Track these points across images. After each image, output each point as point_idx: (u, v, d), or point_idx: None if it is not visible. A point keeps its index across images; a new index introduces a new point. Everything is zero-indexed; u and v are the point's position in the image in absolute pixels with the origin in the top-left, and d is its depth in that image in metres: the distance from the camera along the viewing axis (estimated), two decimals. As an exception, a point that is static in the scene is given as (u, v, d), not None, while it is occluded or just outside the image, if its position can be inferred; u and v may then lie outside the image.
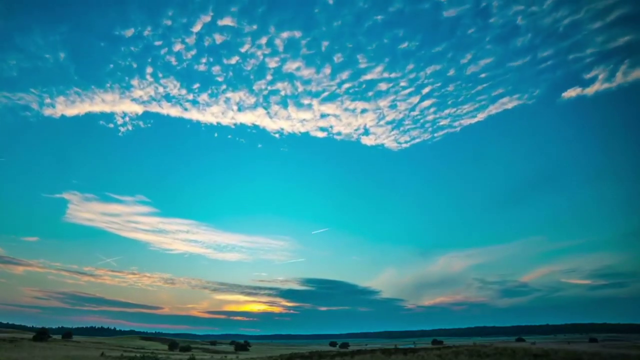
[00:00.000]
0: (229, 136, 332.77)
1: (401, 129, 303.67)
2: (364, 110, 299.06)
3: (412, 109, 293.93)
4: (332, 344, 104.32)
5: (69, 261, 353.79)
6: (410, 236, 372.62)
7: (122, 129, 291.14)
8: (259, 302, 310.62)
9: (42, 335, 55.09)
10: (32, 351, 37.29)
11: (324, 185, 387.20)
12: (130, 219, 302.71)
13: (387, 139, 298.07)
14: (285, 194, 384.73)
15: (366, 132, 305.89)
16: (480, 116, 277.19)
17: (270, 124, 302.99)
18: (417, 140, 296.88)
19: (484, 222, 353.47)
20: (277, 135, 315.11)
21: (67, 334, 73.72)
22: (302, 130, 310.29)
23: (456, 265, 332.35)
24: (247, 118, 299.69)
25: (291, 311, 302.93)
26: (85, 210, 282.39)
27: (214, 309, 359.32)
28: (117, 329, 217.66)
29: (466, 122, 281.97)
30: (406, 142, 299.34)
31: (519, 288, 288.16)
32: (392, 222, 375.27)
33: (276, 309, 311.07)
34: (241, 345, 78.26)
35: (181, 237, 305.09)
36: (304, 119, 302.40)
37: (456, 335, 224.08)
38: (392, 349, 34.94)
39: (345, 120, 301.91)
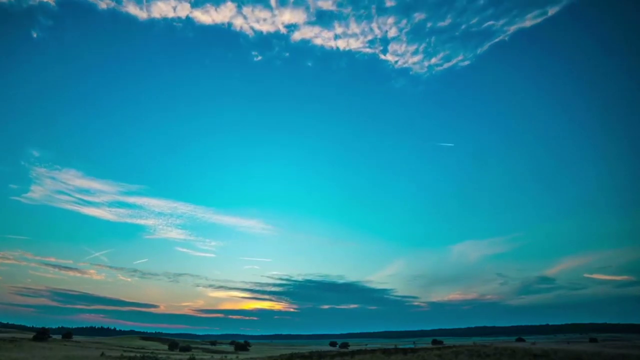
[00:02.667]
0: (187, 49, 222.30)
1: (432, 38, 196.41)
2: (382, 11, 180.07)
3: (451, 2, 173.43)
4: (332, 344, 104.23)
5: (50, 253, 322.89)
6: (420, 223, 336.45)
7: (35, 34, 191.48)
8: (256, 298, 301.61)
9: (42, 335, 55.09)
10: (32, 351, 37.29)
11: (323, 143, 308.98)
12: (107, 199, 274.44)
13: (413, 59, 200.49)
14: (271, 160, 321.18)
15: (385, 48, 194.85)
16: (552, 10, 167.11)
17: (245, 26, 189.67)
18: (453, 61, 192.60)
19: (511, 202, 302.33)
20: (256, 56, 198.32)
21: (67, 334, 73.71)
22: (292, 40, 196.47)
23: (473, 256, 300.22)
24: (209, 16, 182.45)
25: (291, 309, 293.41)
26: (52, 187, 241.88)
27: (210, 307, 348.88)
28: (117, 328, 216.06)
29: (528, 22, 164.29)
30: (438, 64, 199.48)
31: (540, 285, 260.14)
32: (399, 206, 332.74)
33: (275, 306, 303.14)
34: (241, 345, 78.24)
35: (163, 221, 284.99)
36: (294, 24, 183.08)
37: (456, 335, 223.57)
38: (392, 348, 34.97)
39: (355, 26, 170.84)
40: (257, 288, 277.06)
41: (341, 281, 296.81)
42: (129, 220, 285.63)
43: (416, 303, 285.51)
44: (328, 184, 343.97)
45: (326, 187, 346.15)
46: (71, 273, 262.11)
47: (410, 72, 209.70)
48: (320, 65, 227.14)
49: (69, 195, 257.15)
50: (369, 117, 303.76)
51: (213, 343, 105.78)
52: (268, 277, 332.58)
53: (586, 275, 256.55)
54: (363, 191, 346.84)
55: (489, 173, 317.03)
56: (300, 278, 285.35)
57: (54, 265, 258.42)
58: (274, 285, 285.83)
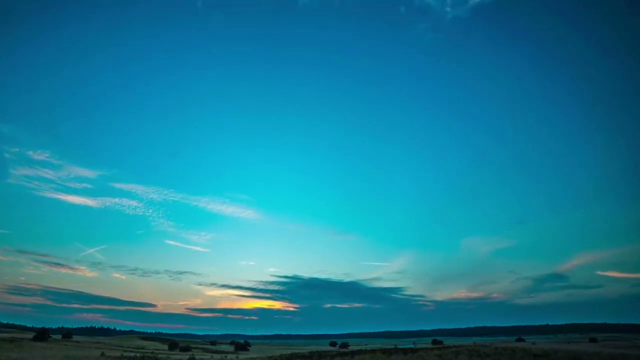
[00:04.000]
0: None
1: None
2: None
3: None
4: (332, 344, 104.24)
5: (41, 250, 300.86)
6: (427, 219, 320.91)
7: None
8: (255, 297, 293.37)
9: (42, 335, 55.07)
10: (32, 351, 37.29)
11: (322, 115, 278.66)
12: (91, 186, 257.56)
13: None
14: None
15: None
16: None
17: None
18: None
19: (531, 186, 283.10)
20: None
21: (67, 334, 73.72)
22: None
23: (482, 252, 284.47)
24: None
25: (291, 308, 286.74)
26: (30, 173, 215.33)
27: (208, 306, 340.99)
28: (116, 328, 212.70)
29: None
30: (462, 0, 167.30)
31: (553, 283, 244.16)
32: (405, 200, 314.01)
33: (275, 306, 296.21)
34: (241, 345, 78.29)
35: (154, 212, 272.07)
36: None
37: (457, 335, 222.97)
38: (392, 348, 34.99)
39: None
40: (256, 286, 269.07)
41: (343, 279, 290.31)
42: (116, 209, 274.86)
43: (422, 302, 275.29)
44: (328, 175, 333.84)
45: (326, 178, 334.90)
46: (63, 270, 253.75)
47: (431, 12, 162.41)
48: (317, 3, 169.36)
49: (51, 182, 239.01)
50: (381, 81, 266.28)
51: (213, 343, 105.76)
52: (266, 274, 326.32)
53: (600, 272, 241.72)
54: (367, 184, 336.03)
55: (498, 162, 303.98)
56: (303, 275, 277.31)
57: (47, 263, 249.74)
58: (273, 283, 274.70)
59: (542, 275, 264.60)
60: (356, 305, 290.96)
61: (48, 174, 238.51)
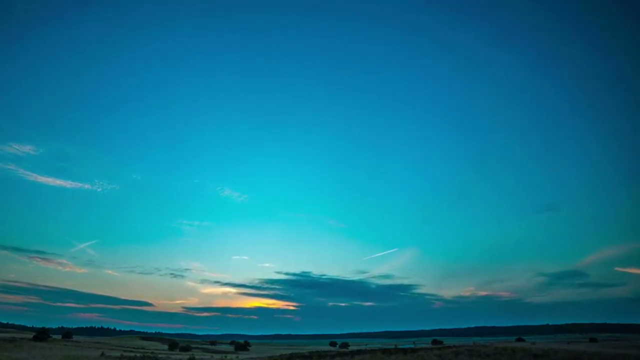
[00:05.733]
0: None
1: None
2: None
3: None
4: (332, 344, 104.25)
5: (32, 246, 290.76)
6: (433, 214, 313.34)
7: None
8: (253, 295, 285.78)
9: (42, 335, 55.09)
10: (32, 351, 37.30)
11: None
12: (68, 166, 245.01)
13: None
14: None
15: None
16: None
17: None
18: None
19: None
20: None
21: (67, 334, 73.77)
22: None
23: (496, 246, 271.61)
24: None
25: (291, 307, 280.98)
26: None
27: (205, 305, 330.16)
28: (117, 328, 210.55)
29: None
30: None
31: (569, 281, 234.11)
32: (409, 195, 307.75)
33: (276, 304, 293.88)
34: (241, 345, 78.28)
35: (140, 199, 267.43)
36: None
37: (456, 335, 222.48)
38: (392, 348, 34.99)
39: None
40: (258, 284, 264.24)
41: (343, 277, 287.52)
42: (95, 191, 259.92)
43: (431, 300, 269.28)
44: (329, 170, 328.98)
45: (328, 172, 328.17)
46: (52, 266, 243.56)
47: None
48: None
49: (18, 159, 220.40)
50: (386, 76, 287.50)
51: (213, 343, 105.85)
52: (266, 271, 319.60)
53: (618, 268, 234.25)
54: (371, 178, 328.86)
55: (509, 153, 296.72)
56: (306, 272, 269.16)
57: (38, 259, 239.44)
58: (276, 282, 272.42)
59: (558, 272, 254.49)
60: (357, 303, 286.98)
61: (13, 148, 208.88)
